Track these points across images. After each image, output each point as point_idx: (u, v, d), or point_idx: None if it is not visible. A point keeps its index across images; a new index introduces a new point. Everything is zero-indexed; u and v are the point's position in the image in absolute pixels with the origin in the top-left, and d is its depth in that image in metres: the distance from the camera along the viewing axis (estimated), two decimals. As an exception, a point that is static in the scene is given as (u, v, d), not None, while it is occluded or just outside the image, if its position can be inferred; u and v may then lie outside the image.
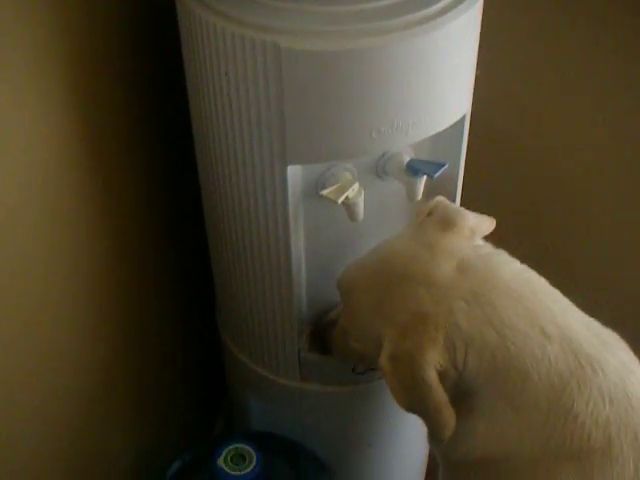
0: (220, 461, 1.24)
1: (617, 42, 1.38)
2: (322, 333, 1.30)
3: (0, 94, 0.93)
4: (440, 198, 1.17)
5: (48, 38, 1.01)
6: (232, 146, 1.11)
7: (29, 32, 0.97)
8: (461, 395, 1.04)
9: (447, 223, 1.10)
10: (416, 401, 1.03)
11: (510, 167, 1.61)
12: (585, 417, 1.00)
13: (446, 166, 1.16)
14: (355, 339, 1.15)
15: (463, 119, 1.18)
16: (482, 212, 1.15)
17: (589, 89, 1.46)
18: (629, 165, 1.52)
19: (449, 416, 1.03)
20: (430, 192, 1.23)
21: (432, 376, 1.00)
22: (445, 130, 1.14)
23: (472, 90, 1.18)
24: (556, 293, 1.07)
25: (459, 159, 1.24)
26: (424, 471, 1.77)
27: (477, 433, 1.06)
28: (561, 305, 1.06)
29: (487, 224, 1.14)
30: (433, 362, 1.00)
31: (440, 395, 1.01)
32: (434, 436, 1.07)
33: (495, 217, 1.16)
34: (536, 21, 1.42)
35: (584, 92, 1.47)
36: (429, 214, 1.13)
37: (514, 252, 1.10)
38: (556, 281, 1.08)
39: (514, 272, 1.06)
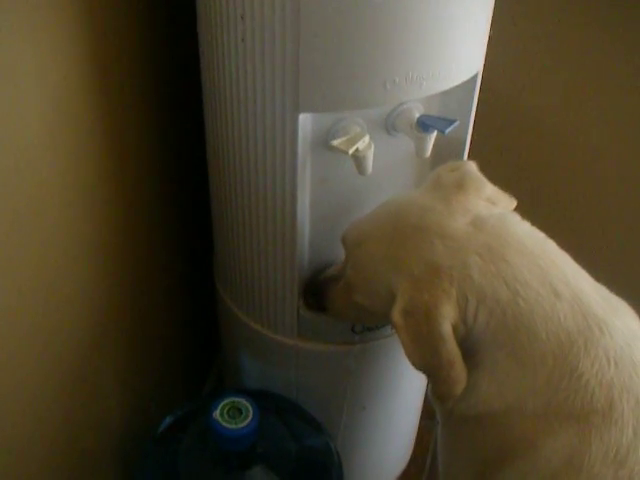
0: (216, 414, 1.22)
1: (633, 7, 1.39)
2: (318, 290, 1.28)
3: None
4: (468, 162, 1.17)
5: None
6: (243, 92, 1.09)
7: None
8: (466, 351, 1.04)
9: (465, 183, 1.09)
10: (429, 356, 1.03)
11: (518, 127, 1.62)
12: (589, 377, 1.00)
13: (457, 122, 1.15)
14: (361, 293, 1.14)
15: (475, 77, 1.18)
16: (488, 172, 1.15)
17: (602, 57, 1.47)
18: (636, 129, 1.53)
19: (462, 370, 1.03)
20: (437, 150, 1.22)
21: (447, 329, 1.00)
22: (456, 87, 1.14)
23: (485, 48, 1.17)
24: (566, 255, 1.07)
25: (469, 118, 1.24)
26: (415, 435, 1.78)
27: (480, 389, 1.06)
28: (572, 267, 1.06)
29: (507, 202, 1.14)
30: (448, 315, 1.00)
31: (454, 349, 1.01)
32: (444, 393, 1.06)
33: (502, 177, 1.15)
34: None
35: (595, 61, 1.48)
36: (452, 170, 1.12)
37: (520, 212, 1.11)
38: (558, 238, 1.08)
39: (527, 231, 1.07)
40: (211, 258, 1.53)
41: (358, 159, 1.13)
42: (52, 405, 1.21)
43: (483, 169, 1.15)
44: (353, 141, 1.12)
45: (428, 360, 1.04)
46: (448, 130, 1.13)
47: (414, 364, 1.06)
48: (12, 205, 0.99)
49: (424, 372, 1.08)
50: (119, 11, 1.16)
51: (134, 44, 1.23)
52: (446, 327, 1.00)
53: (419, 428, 1.76)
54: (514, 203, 1.14)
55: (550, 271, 1.03)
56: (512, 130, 1.63)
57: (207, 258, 1.55)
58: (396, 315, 1.03)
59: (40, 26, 0.98)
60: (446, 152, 1.24)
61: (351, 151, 1.11)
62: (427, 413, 1.64)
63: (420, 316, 1.01)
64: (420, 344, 1.03)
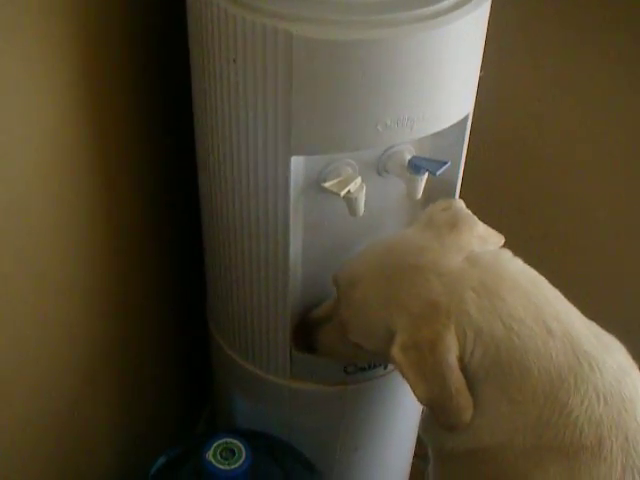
0: (209, 455, 1.22)
1: (623, 49, 1.40)
2: (307, 331, 1.28)
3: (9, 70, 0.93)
4: (458, 200, 1.19)
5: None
6: (235, 134, 1.11)
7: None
8: None
9: (458, 222, 1.11)
10: (437, 387, 1.03)
11: (508, 169, 1.63)
12: (579, 413, 1.01)
13: (448, 164, 1.16)
14: (357, 332, 1.14)
15: (466, 118, 1.19)
16: (479, 213, 1.16)
17: (592, 96, 1.48)
18: (629, 168, 1.54)
19: (469, 397, 1.04)
20: (429, 192, 1.23)
21: (453, 359, 1.01)
22: (447, 129, 1.15)
23: (475, 90, 1.19)
24: (558, 293, 1.08)
25: (460, 159, 1.25)
26: (408, 475, 1.77)
27: (472, 424, 1.06)
28: (563, 304, 1.07)
29: (496, 239, 1.15)
30: (452, 346, 1.01)
31: (460, 377, 1.02)
32: (454, 422, 1.06)
33: (492, 218, 1.17)
34: (542, 27, 1.44)
35: (586, 99, 1.49)
36: (444, 209, 1.14)
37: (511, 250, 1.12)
38: (549, 277, 1.09)
39: (520, 268, 1.08)
40: (204, 298, 1.54)
41: (350, 201, 1.14)
42: (41, 445, 1.21)
43: (473, 209, 1.16)
44: (345, 183, 1.13)
45: (436, 391, 1.04)
46: (439, 172, 1.14)
47: (420, 398, 1.06)
48: (4, 246, 1.00)
49: (430, 405, 1.08)
50: (114, 58, 1.18)
51: (128, 91, 1.24)
52: (452, 356, 1.01)
53: (412, 467, 1.76)
54: (502, 240, 1.16)
55: (543, 308, 1.04)
56: (503, 171, 1.64)
57: (200, 298, 1.56)
58: (396, 351, 1.04)
59: (37, 73, 0.99)
60: (437, 193, 1.25)
61: (343, 193, 1.12)
62: (419, 452, 1.63)
63: (425, 350, 1.02)
64: (426, 377, 1.04)
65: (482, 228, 1.14)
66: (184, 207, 1.48)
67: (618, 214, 1.61)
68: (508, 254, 1.10)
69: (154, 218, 1.45)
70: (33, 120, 1.01)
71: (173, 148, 1.42)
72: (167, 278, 1.58)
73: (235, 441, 1.24)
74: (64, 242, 1.15)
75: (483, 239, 1.12)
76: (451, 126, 1.15)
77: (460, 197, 1.31)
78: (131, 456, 1.53)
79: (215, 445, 1.24)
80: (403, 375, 1.05)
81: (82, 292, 1.23)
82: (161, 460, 1.38)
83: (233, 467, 1.21)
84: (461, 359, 1.02)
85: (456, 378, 1.02)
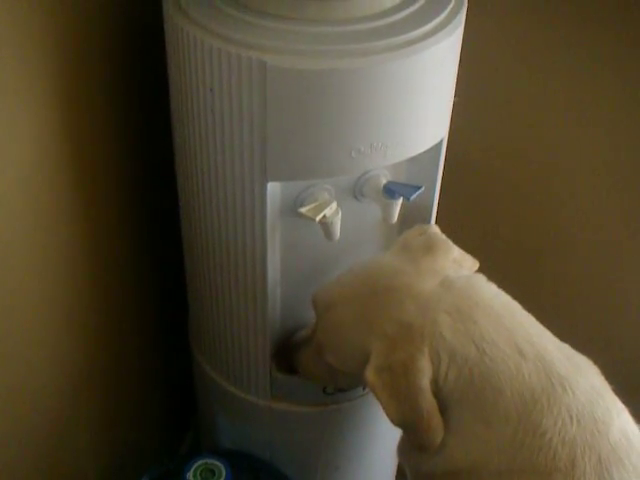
0: (190, 476, 1.24)
1: (595, 76, 1.42)
2: (290, 353, 1.30)
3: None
4: (433, 225, 1.21)
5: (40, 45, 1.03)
6: (213, 161, 1.12)
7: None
8: None
9: (433, 246, 1.13)
10: (408, 409, 1.04)
11: (485, 193, 1.64)
12: (552, 434, 1.02)
13: (422, 189, 1.18)
14: (333, 355, 1.15)
15: (440, 143, 1.20)
16: (455, 236, 1.18)
17: (570, 119, 1.49)
18: (610, 195, 1.55)
19: (440, 419, 1.05)
20: (405, 215, 1.25)
21: (426, 382, 1.02)
22: (422, 154, 1.17)
23: (449, 115, 1.20)
24: (531, 317, 1.10)
25: (435, 183, 1.26)
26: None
27: (446, 446, 1.07)
28: (536, 327, 1.09)
29: (470, 262, 1.17)
30: (425, 369, 1.02)
31: (432, 400, 1.03)
32: (425, 444, 1.07)
33: (467, 241, 1.18)
34: (514, 51, 1.45)
35: (558, 123, 1.51)
36: (420, 234, 1.16)
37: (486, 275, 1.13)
38: (524, 300, 1.11)
39: (494, 293, 1.10)
40: (187, 319, 1.55)
41: (326, 225, 1.16)
42: (21, 465, 1.22)
43: (449, 233, 1.18)
44: (320, 208, 1.14)
45: (408, 414, 1.05)
46: (413, 197, 1.16)
47: (392, 419, 1.07)
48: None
49: (402, 426, 1.10)
50: (93, 83, 1.19)
51: (108, 119, 1.26)
52: (425, 380, 1.02)
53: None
54: (477, 265, 1.17)
55: (515, 331, 1.05)
56: (480, 195, 1.65)
57: (183, 319, 1.57)
58: (370, 374, 1.05)
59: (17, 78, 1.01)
60: (413, 217, 1.27)
61: (318, 218, 1.14)
62: (399, 471, 1.65)
63: (399, 373, 1.03)
64: (398, 399, 1.05)
65: (457, 252, 1.15)
66: (166, 229, 1.49)
67: (598, 238, 1.62)
68: (482, 279, 1.11)
69: (137, 238, 1.46)
70: (13, 124, 1.03)
71: (154, 176, 1.43)
72: (150, 298, 1.59)
73: (215, 461, 1.26)
74: (43, 259, 1.16)
75: (458, 263, 1.14)
76: (426, 151, 1.17)
77: (437, 221, 1.32)
78: (114, 476, 1.53)
79: (196, 466, 1.26)
80: (376, 396, 1.06)
81: (63, 311, 1.24)
82: (144, 480, 1.39)
83: (213, 488, 1.23)
84: (435, 381, 1.03)
85: (428, 401, 1.03)
